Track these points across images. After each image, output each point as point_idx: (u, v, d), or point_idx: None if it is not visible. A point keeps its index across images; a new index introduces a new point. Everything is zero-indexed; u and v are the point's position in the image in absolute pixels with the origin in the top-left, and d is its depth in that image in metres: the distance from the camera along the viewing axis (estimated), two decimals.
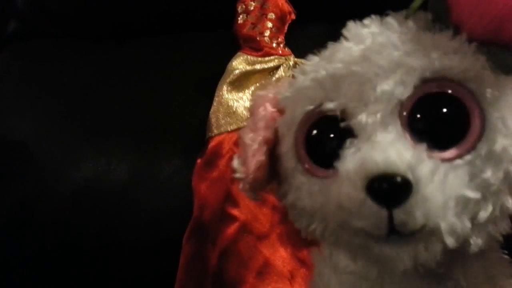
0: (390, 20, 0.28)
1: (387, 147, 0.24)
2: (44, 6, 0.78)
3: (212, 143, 0.57)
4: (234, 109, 0.58)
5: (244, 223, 0.53)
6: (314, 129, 0.28)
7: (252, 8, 0.62)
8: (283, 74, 0.60)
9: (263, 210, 0.54)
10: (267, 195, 0.54)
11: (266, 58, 0.61)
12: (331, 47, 0.30)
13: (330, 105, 0.27)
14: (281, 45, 0.62)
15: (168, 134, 0.62)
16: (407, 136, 0.25)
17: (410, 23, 0.27)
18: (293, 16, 0.63)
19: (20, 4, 0.79)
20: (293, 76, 0.31)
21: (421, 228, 0.23)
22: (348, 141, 0.26)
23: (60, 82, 0.70)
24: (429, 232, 0.24)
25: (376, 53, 0.26)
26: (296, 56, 0.61)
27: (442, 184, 0.23)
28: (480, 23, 0.25)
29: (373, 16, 0.29)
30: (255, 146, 0.30)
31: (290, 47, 0.62)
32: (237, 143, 0.56)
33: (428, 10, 0.28)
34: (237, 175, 0.31)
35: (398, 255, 0.24)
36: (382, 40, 0.27)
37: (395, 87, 0.25)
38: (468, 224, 0.24)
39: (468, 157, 0.25)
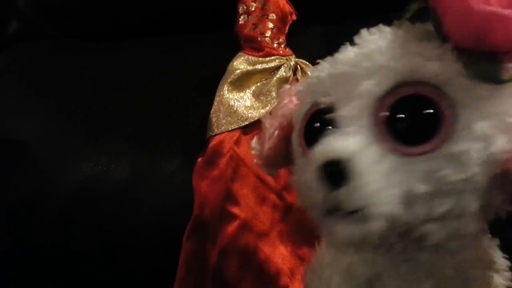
0: (384, 28, 0.31)
1: (343, 138, 0.28)
2: (45, 7, 0.78)
3: (212, 142, 0.57)
4: (234, 109, 0.59)
5: (244, 221, 0.53)
6: (310, 119, 0.32)
7: (253, 8, 0.63)
8: (284, 74, 0.60)
9: (263, 208, 0.54)
10: (268, 194, 0.55)
11: (267, 58, 0.61)
12: (341, 49, 0.33)
13: (322, 99, 0.31)
14: (282, 46, 0.62)
15: (169, 133, 0.62)
16: (378, 131, 0.28)
17: (400, 32, 0.30)
18: (294, 17, 0.64)
19: (21, 4, 0.80)
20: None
21: (358, 210, 0.27)
22: (328, 131, 0.30)
23: (60, 81, 0.70)
24: (367, 215, 0.27)
25: (364, 57, 0.30)
26: (297, 56, 0.62)
27: (386, 175, 0.27)
28: (463, 33, 0.27)
29: (380, 25, 0.32)
30: (271, 130, 0.36)
31: (291, 48, 0.63)
32: (237, 142, 0.57)
33: (430, 19, 0.30)
34: (252, 152, 0.38)
35: (341, 229, 0.28)
36: (372, 46, 0.30)
37: (373, 86, 0.28)
38: (420, 216, 0.27)
39: (431, 154, 0.27)
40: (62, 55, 0.75)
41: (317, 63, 0.34)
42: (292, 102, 0.36)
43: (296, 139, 0.33)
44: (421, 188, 0.27)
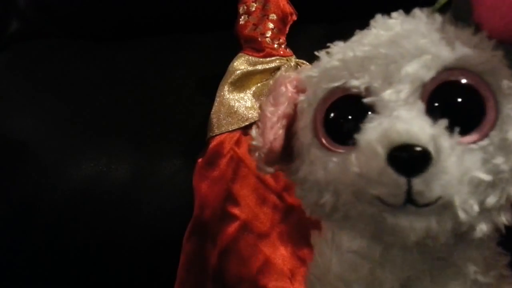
0: (418, 12, 0.30)
1: (410, 120, 0.25)
2: (45, 6, 0.78)
3: (213, 143, 0.57)
4: (235, 109, 0.58)
5: (245, 222, 0.53)
6: (335, 106, 0.29)
7: (253, 9, 0.62)
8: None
9: (263, 209, 0.54)
10: (268, 195, 0.55)
11: (268, 59, 0.61)
12: (359, 33, 0.31)
13: (355, 82, 0.28)
14: (283, 46, 0.62)
15: (169, 134, 0.62)
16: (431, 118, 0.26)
17: (437, 16, 0.29)
18: (294, 17, 0.63)
19: (21, 4, 0.79)
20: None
21: (436, 200, 0.24)
22: (369, 116, 0.27)
23: (61, 81, 0.70)
24: (442, 206, 0.25)
25: (403, 38, 0.28)
26: (298, 56, 0.62)
27: (459, 161, 0.24)
28: (500, 23, 0.27)
29: (400, 11, 0.31)
30: (274, 118, 0.31)
31: (291, 48, 0.63)
32: (238, 143, 0.57)
33: (451, 9, 0.29)
34: (254, 142, 0.32)
35: (411, 225, 0.25)
36: (410, 27, 0.28)
37: (420, 69, 0.26)
38: (476, 207, 0.25)
39: (482, 143, 0.26)
40: (62, 55, 0.75)
41: (328, 47, 0.31)
42: (288, 90, 0.33)
43: (307, 129, 0.30)
44: (486, 176, 0.25)
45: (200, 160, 0.57)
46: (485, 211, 0.26)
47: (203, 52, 0.70)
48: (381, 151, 0.24)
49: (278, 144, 0.31)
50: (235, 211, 0.54)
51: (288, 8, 0.63)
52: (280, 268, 0.52)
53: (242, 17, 0.63)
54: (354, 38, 0.31)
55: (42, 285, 0.61)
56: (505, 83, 0.26)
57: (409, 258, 0.29)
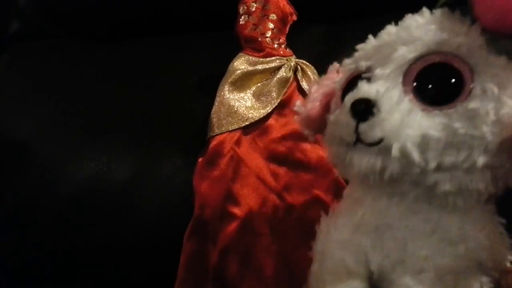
0: (424, 10, 0.36)
1: (374, 85, 0.33)
2: (46, 7, 0.79)
3: (213, 142, 0.57)
4: (235, 109, 0.59)
5: (245, 222, 0.53)
6: (349, 82, 0.37)
7: (253, 9, 0.63)
8: (284, 74, 0.60)
9: (263, 208, 0.54)
10: (268, 195, 0.55)
11: (268, 59, 0.61)
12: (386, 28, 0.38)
13: (361, 63, 0.36)
14: (283, 46, 0.62)
15: (169, 133, 0.62)
16: (406, 90, 0.33)
17: (437, 12, 0.35)
18: (294, 17, 0.64)
19: (22, 4, 0.80)
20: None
21: (379, 142, 0.32)
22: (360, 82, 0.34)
23: (61, 81, 0.70)
24: (386, 147, 0.32)
25: (404, 30, 0.35)
26: (298, 56, 0.62)
27: (405, 116, 0.31)
28: (492, 18, 0.32)
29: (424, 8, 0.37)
30: (315, 94, 0.42)
31: (291, 48, 0.63)
32: (238, 143, 0.57)
33: (467, 7, 0.34)
34: (296, 108, 0.44)
35: (360, 159, 0.33)
36: (411, 22, 0.35)
37: (407, 52, 0.33)
38: (432, 162, 0.31)
39: (447, 111, 0.31)
40: (63, 55, 0.75)
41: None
42: (336, 75, 0.41)
43: (335, 100, 0.39)
44: (435, 134, 0.31)
45: (200, 159, 0.57)
46: (446, 169, 0.32)
47: (203, 52, 0.70)
48: (348, 104, 0.33)
49: (314, 112, 0.42)
50: (235, 210, 0.54)
51: (288, 8, 0.63)
52: (280, 267, 0.52)
53: (242, 17, 0.63)
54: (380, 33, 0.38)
55: (42, 285, 0.61)
56: (481, 62, 0.32)
57: (391, 207, 0.36)
